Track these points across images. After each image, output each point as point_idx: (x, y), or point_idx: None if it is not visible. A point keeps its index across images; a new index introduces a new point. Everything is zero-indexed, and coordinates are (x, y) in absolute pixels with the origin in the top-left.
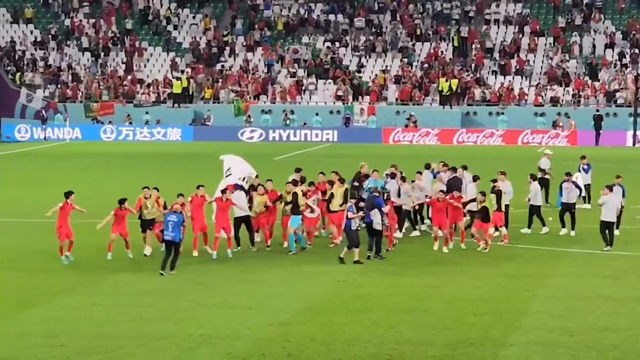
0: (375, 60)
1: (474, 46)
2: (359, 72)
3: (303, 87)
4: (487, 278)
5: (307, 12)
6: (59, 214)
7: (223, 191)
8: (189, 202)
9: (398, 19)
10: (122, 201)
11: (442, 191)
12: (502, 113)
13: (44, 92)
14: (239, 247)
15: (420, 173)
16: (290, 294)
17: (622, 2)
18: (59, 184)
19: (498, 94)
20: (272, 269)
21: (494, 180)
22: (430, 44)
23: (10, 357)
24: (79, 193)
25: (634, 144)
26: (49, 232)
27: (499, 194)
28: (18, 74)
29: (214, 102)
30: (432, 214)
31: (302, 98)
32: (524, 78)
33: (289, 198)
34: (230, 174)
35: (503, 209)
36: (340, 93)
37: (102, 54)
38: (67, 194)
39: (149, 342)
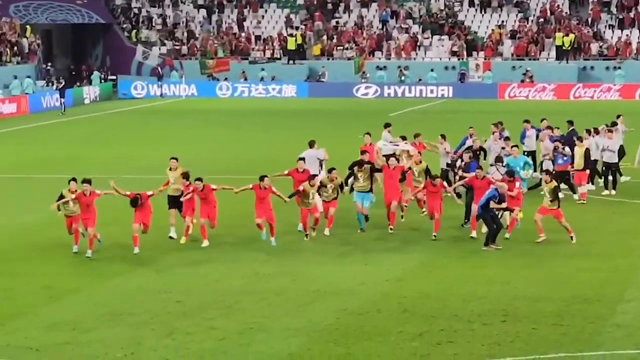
0: (491, 15)
1: (590, 0)
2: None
3: (418, 43)
4: (603, 234)
5: None
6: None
7: (261, 178)
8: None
9: None
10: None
11: (480, 168)
12: (619, 67)
13: (159, 49)
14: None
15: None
16: (405, 250)
17: None
18: (176, 140)
19: (615, 48)
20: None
21: (580, 139)
22: None
23: (126, 312)
24: (196, 151)
25: None
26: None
27: (587, 153)
28: (134, 32)
29: (328, 59)
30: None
31: (416, 54)
32: None
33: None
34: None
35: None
36: (455, 49)
37: (217, 10)
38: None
39: (265, 297)
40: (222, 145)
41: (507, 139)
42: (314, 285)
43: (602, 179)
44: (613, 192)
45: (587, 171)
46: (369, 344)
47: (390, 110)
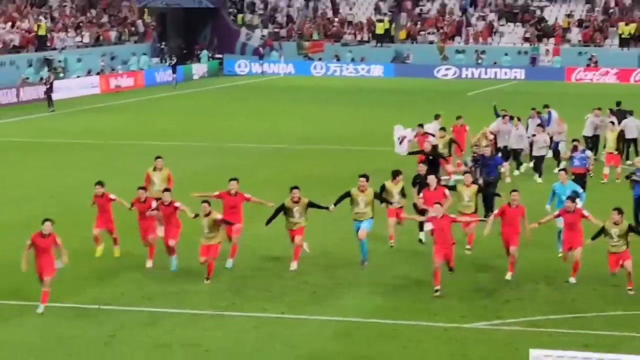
0: (561, 6)
1: None
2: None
3: (494, 30)
4: None
5: None
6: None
7: (165, 190)
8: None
9: None
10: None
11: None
12: None
13: (261, 31)
14: None
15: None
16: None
17: None
18: (277, 114)
19: None
20: None
21: (613, 123)
22: None
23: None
24: (292, 123)
25: None
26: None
27: (618, 137)
28: (239, 16)
29: (412, 43)
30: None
31: (492, 39)
32: None
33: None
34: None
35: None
36: (527, 35)
37: None
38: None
39: (357, 258)
40: (316, 118)
41: (539, 125)
42: (401, 244)
43: None
44: None
45: (619, 155)
46: (445, 301)
47: (468, 90)
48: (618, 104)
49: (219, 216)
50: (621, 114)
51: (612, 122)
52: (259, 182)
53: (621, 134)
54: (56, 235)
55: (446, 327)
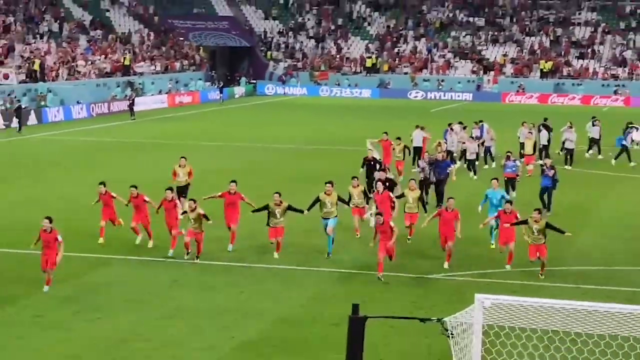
0: (499, 48)
1: (564, 40)
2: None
3: (451, 65)
4: (560, 197)
5: (454, 15)
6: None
7: (168, 189)
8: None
9: (515, 21)
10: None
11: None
12: (580, 84)
13: (284, 64)
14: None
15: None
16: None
17: None
18: (297, 123)
19: (578, 72)
20: None
21: (531, 133)
22: (535, 38)
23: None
24: (306, 129)
25: None
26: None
27: (534, 144)
28: (268, 53)
29: (392, 73)
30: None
31: (449, 72)
32: (596, 61)
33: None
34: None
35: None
36: (474, 69)
37: (322, 40)
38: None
39: (343, 238)
40: (323, 125)
41: (471, 137)
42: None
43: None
44: (569, 167)
45: (533, 156)
46: (413, 260)
47: (432, 108)
48: (545, 119)
49: (202, 211)
50: (545, 127)
51: (530, 132)
52: (281, 174)
53: (536, 142)
54: (57, 231)
55: (414, 277)
